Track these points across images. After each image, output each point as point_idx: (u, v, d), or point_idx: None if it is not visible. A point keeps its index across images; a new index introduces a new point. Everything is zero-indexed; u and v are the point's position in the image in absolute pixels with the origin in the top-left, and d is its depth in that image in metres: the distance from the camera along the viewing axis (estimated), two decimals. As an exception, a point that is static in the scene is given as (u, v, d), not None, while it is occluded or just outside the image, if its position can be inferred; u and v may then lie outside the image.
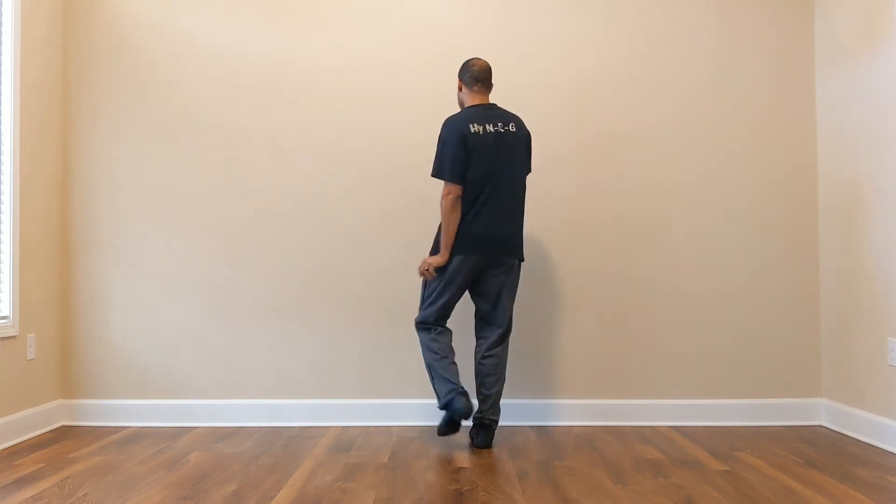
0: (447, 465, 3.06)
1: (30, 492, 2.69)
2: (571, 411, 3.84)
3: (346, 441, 3.49)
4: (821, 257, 3.88)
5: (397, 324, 3.86)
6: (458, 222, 3.28)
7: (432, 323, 3.39)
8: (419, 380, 3.84)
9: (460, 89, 3.45)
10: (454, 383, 3.25)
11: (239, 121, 3.90)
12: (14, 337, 3.48)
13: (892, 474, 2.90)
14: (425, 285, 3.44)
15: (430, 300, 3.39)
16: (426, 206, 3.86)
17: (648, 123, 3.91)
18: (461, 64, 3.62)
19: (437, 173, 3.32)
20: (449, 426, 3.29)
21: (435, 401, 3.79)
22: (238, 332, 3.86)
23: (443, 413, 3.65)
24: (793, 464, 3.06)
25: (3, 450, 3.32)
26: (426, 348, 3.38)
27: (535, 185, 3.85)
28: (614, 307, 3.87)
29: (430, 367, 3.36)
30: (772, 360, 3.86)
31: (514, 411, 3.81)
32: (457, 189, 3.27)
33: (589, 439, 3.51)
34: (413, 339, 3.84)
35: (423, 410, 3.83)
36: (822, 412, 3.83)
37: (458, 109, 3.60)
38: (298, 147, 3.90)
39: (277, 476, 2.90)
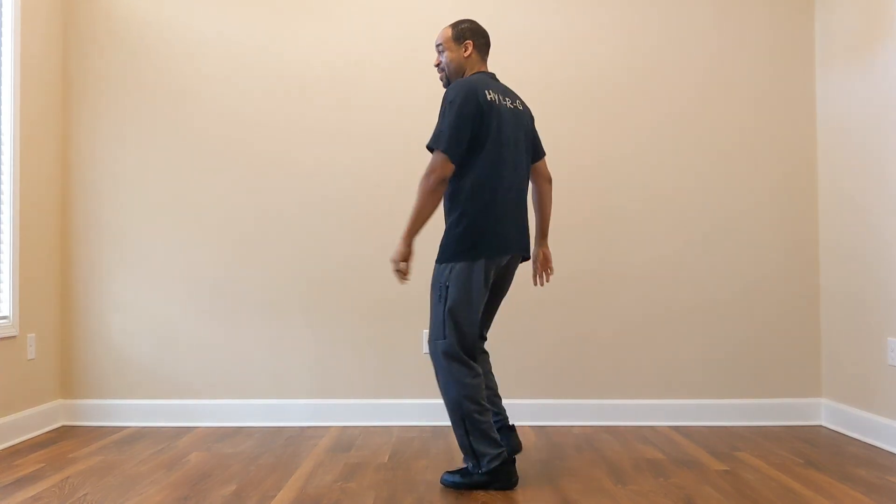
0: (447, 465, 3.06)
1: (30, 492, 2.69)
2: (571, 411, 3.84)
3: (346, 441, 3.48)
4: (821, 257, 3.88)
5: (398, 323, 3.86)
6: (434, 209, 2.67)
7: (470, 352, 2.69)
8: (419, 380, 3.84)
9: (469, 55, 2.84)
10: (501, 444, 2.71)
11: (242, 118, 3.90)
12: (14, 337, 3.48)
13: (892, 474, 2.90)
14: (442, 299, 2.69)
15: (460, 318, 2.66)
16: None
17: (647, 123, 3.91)
18: (468, 24, 2.86)
19: (434, 143, 2.67)
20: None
21: (435, 400, 3.80)
22: (238, 331, 3.86)
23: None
24: (793, 464, 3.06)
25: (3, 450, 3.32)
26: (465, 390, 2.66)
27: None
28: (614, 307, 3.87)
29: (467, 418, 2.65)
30: (772, 360, 3.86)
31: (515, 411, 3.80)
32: (449, 168, 2.65)
33: (589, 439, 3.51)
34: (412, 337, 3.84)
35: (423, 410, 3.82)
36: (822, 412, 3.83)
37: None
38: (301, 146, 3.90)
39: (277, 476, 2.90)
